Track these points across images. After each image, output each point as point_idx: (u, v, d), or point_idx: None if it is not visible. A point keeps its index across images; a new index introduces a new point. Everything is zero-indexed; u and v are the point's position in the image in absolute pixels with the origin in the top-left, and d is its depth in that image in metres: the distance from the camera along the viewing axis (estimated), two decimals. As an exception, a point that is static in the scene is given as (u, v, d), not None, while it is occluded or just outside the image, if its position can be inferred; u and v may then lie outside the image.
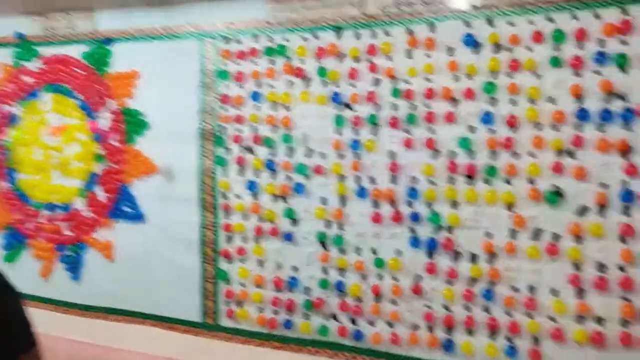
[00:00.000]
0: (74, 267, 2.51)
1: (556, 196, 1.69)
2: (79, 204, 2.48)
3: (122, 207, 2.39)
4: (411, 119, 1.88)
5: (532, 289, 1.73)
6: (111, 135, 2.39)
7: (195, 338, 2.28)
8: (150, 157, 2.33)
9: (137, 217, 2.37)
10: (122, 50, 2.38)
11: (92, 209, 2.44)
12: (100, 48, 2.40)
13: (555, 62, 1.67)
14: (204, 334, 2.27)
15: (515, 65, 1.72)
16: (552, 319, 1.71)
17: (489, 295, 1.78)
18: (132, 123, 2.35)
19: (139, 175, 2.35)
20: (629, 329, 1.61)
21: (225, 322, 2.22)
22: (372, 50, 1.93)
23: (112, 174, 2.39)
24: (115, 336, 2.44)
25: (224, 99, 2.19)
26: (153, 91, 2.33)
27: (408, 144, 1.89)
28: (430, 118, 1.85)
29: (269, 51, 2.10)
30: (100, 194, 2.42)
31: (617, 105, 1.61)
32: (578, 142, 1.66)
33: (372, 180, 1.96)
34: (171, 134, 2.30)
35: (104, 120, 2.41)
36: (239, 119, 2.16)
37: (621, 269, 1.62)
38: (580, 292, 1.67)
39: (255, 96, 2.13)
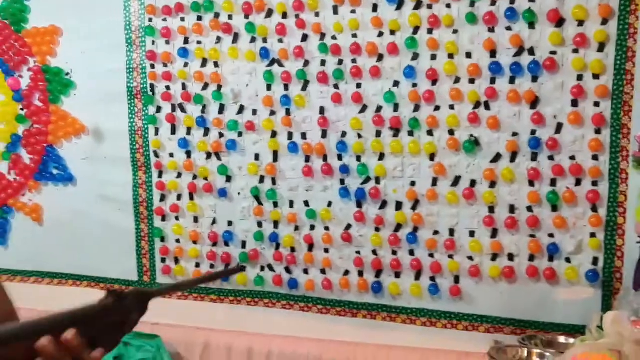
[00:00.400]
0: (0, 231, 2.44)
1: (473, 145, 1.82)
2: (3, 167, 2.39)
3: (49, 169, 2.33)
4: (339, 74, 1.94)
5: (451, 231, 1.87)
6: (33, 95, 2.30)
7: (133, 296, 2.30)
8: (78, 118, 2.28)
9: (66, 179, 2.33)
10: (40, 4, 2.28)
11: (17, 171, 2.37)
12: (16, 2, 2.28)
13: (471, 19, 1.77)
14: (141, 291, 2.29)
15: (434, 22, 1.81)
16: (470, 258, 1.86)
17: (413, 239, 1.91)
18: (55, 82, 2.27)
19: (66, 136, 2.30)
20: (535, 262, 1.79)
21: (162, 279, 2.26)
22: (299, 6, 1.95)
23: (37, 135, 2.32)
24: (48, 300, 2.40)
25: (152, 56, 2.16)
26: (77, 48, 2.26)
27: (337, 99, 1.96)
28: (357, 73, 1.92)
29: (196, 7, 2.07)
30: (25, 156, 2.35)
31: (525, 59, 1.74)
32: (492, 94, 1.78)
33: (303, 136, 2.02)
34: (99, 93, 2.25)
35: (25, 79, 2.32)
36: (168, 77, 2.14)
37: (529, 209, 1.79)
38: (494, 232, 1.83)
39: (184, 53, 2.11)
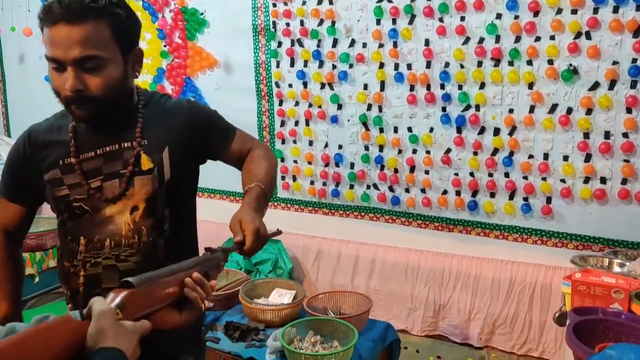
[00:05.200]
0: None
1: (572, 74, 1.91)
2: (150, 97, 2.82)
3: (188, 97, 2.72)
4: (444, 8, 2.08)
5: (546, 155, 2.01)
6: (174, 33, 2.67)
7: (257, 208, 2.68)
8: (211, 52, 2.62)
9: (201, 106, 2.70)
10: (178, -47, 2.60)
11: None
12: (159, -49, 2.62)
13: (578, -51, 1.83)
14: (264, 204, 2.66)
15: (539, -46, 1.88)
16: (563, 180, 2.00)
17: (508, 162, 2.07)
18: (192, 21, 2.62)
19: (201, 69, 2.66)
20: (627, 186, 1.90)
21: (282, 193, 2.61)
22: (408, -57, 2.09)
23: (177, 68, 2.70)
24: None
25: (274, -4, 2.42)
26: (209, -9, 2.57)
27: (441, 32, 2.11)
28: (461, 7, 2.05)
29: (314, -52, 2.28)
30: (168, 87, 2.76)
31: (631, -12, 1.78)
32: (594, 23, 1.85)
33: (409, 66, 2.21)
34: (228, 30, 2.56)
35: (167, 19, 2.68)
36: (287, 14, 2.40)
37: (624, 135, 1.87)
38: (588, 157, 1.94)
39: (302, -8, 2.35)
